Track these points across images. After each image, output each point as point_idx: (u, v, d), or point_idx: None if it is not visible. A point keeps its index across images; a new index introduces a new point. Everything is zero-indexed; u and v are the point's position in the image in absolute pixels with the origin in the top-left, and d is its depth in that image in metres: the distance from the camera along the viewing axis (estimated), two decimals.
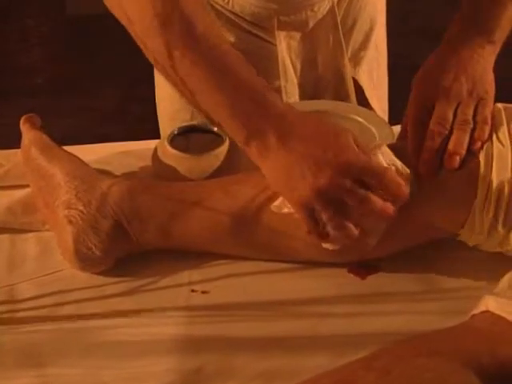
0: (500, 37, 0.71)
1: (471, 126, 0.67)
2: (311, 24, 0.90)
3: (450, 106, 0.67)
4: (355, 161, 0.59)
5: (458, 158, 0.65)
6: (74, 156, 0.74)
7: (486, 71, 0.70)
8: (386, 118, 0.99)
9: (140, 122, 1.40)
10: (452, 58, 0.69)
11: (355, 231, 0.61)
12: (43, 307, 0.67)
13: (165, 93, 0.98)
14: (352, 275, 0.69)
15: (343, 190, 0.59)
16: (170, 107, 0.96)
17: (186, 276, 0.70)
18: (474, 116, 0.68)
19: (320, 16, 0.90)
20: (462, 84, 0.68)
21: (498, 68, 0.71)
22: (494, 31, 0.70)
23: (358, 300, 0.67)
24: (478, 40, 0.70)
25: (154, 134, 1.02)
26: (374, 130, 0.82)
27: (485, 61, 0.70)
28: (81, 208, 0.69)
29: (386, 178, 0.60)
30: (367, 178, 0.60)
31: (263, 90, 0.61)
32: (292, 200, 0.61)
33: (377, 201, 0.60)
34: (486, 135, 0.66)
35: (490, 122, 0.67)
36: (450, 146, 0.66)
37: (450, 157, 0.65)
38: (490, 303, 0.57)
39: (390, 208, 0.60)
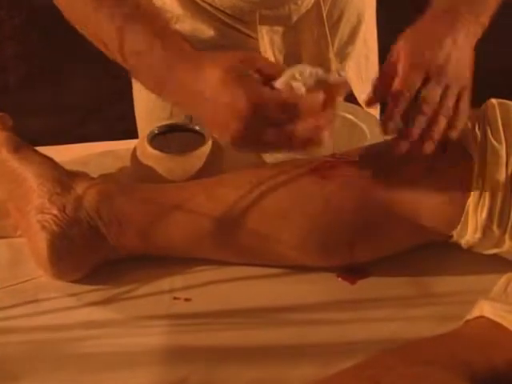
0: (486, 22, 0.69)
1: (451, 113, 0.66)
2: (295, 18, 0.90)
3: (439, 87, 0.65)
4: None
5: (433, 143, 0.64)
6: (47, 157, 0.74)
7: (471, 56, 0.68)
8: (377, 115, 0.99)
9: (119, 120, 1.39)
10: (447, 35, 0.66)
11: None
12: (15, 317, 0.66)
13: (141, 90, 0.98)
14: (341, 280, 0.69)
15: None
16: (147, 105, 0.96)
17: (167, 283, 0.70)
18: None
19: (304, 10, 0.90)
20: (454, 67, 0.66)
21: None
22: (483, 13, 0.69)
23: (347, 306, 0.67)
24: (470, 19, 0.67)
25: (134, 133, 1.02)
26: (364, 127, 0.83)
27: (471, 45, 0.68)
28: (55, 212, 0.69)
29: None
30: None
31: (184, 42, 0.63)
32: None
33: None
34: (463, 124, 0.66)
35: (467, 111, 0.66)
36: (431, 131, 0.64)
37: (427, 141, 0.64)
38: (485, 308, 0.57)
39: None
